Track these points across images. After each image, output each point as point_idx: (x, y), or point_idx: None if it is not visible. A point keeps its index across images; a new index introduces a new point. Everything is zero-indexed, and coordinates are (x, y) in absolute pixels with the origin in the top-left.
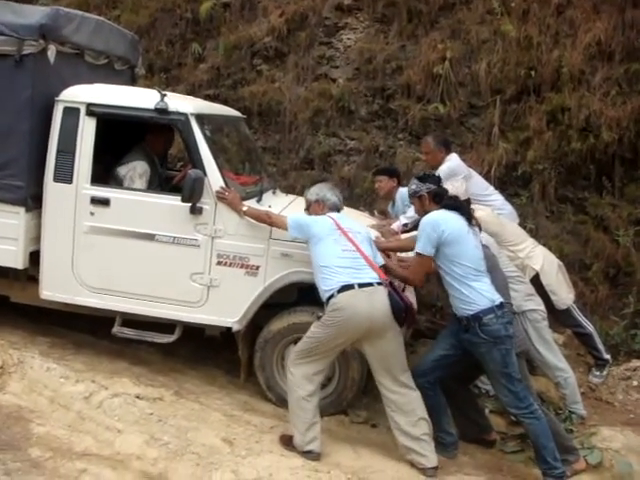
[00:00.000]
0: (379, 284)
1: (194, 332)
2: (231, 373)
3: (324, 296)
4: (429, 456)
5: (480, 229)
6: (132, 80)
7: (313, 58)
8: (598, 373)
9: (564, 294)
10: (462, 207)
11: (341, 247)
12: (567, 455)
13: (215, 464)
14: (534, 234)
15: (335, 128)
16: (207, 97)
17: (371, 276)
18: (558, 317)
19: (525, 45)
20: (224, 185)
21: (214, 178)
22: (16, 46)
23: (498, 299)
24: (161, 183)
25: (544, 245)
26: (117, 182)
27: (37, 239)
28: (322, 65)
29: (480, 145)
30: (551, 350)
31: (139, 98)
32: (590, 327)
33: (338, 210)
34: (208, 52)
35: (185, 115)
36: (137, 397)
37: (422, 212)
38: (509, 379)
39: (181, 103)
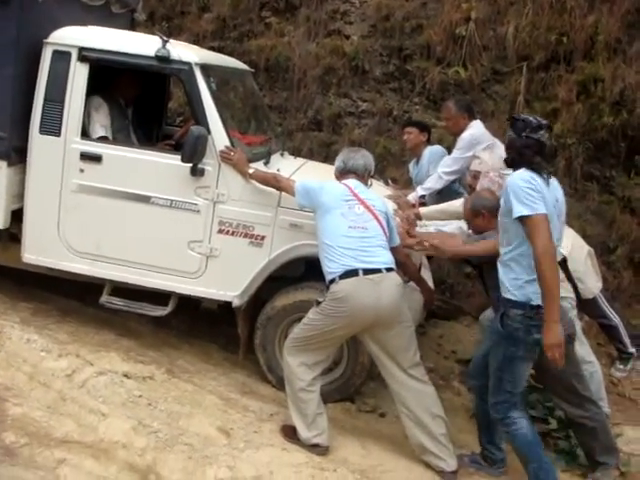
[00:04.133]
0: (389, 270)
1: (189, 303)
2: (227, 349)
3: (326, 278)
4: (448, 460)
5: None
6: (131, 26)
7: (326, 12)
8: (622, 367)
9: (592, 282)
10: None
11: (348, 223)
12: (608, 457)
13: (209, 457)
14: None
15: (347, 88)
16: (211, 49)
17: (381, 260)
18: (583, 306)
19: (558, 9)
20: (229, 145)
21: (219, 136)
22: None
23: (537, 301)
24: (138, 136)
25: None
26: None
27: (21, 196)
28: (335, 20)
29: (502, 114)
30: (580, 341)
31: (138, 44)
32: (616, 319)
33: (359, 177)
34: (214, 1)
35: (189, 64)
36: (125, 376)
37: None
38: (497, 383)
39: (185, 51)
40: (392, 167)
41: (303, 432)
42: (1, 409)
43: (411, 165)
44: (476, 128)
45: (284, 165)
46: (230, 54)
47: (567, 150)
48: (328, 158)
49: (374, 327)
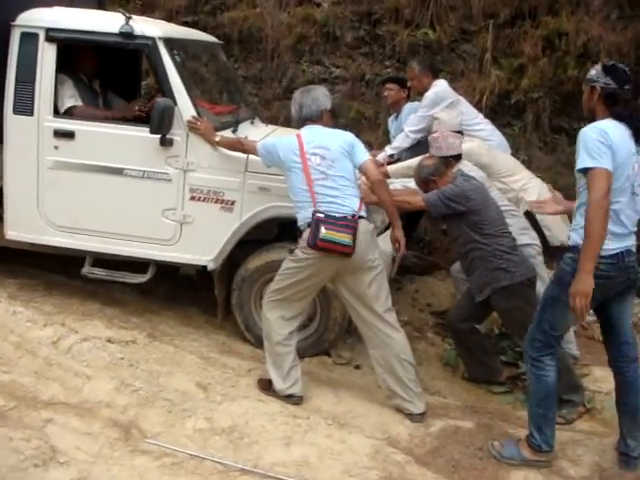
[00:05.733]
0: (353, 217)
1: (171, 271)
2: (209, 312)
3: (300, 230)
4: (416, 402)
5: None
6: (99, 5)
7: None
8: (592, 311)
9: (559, 231)
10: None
11: (308, 176)
12: (573, 395)
13: (188, 411)
14: (527, 166)
15: (319, 55)
16: (185, 24)
17: (344, 210)
18: (552, 254)
19: None
20: (196, 114)
21: (185, 107)
22: None
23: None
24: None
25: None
26: None
27: (1, 177)
28: None
29: (471, 73)
30: (545, 284)
31: (102, 22)
32: None
33: (314, 121)
34: None
35: (152, 39)
36: (108, 341)
37: (587, 106)
38: (537, 321)
39: (148, 26)
40: (367, 131)
41: (278, 384)
42: None
43: (390, 120)
44: (440, 86)
45: (253, 132)
46: (204, 28)
47: (535, 104)
48: None
49: (344, 273)
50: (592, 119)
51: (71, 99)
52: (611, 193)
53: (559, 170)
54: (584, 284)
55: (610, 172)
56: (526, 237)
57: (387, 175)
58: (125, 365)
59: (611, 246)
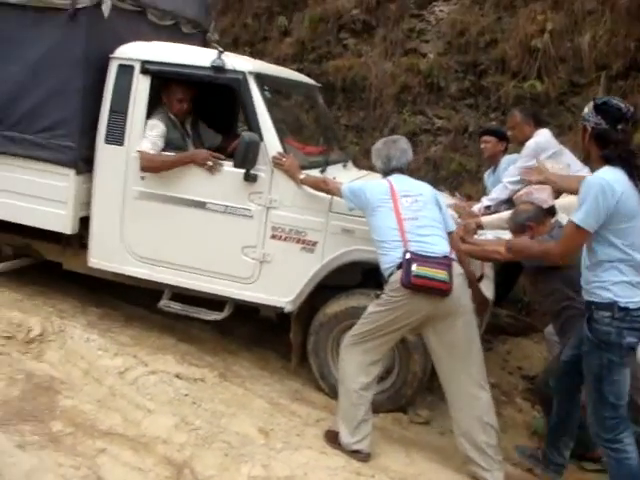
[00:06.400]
0: (445, 258)
1: (253, 312)
2: (286, 358)
3: (385, 274)
4: (494, 472)
5: None
6: (203, 45)
7: (403, 31)
8: None
9: None
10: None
11: (398, 216)
12: None
13: (245, 456)
14: None
15: (422, 106)
16: None
17: (438, 249)
18: None
19: (636, 14)
20: (282, 151)
21: (271, 143)
22: None
23: (625, 303)
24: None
25: None
26: None
27: (88, 204)
28: (412, 39)
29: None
30: None
31: (195, 56)
32: None
33: (402, 170)
34: (294, 25)
35: (243, 74)
36: (176, 376)
37: (582, 146)
38: (598, 397)
39: (239, 61)
40: (467, 184)
41: (345, 437)
42: (53, 400)
43: (486, 174)
44: (542, 136)
45: (342, 175)
46: (308, 76)
47: None
48: None
49: (435, 318)
50: (588, 158)
51: (147, 144)
52: (632, 247)
53: None
54: None
55: (590, 234)
56: None
57: (480, 225)
58: (188, 402)
59: (638, 297)
